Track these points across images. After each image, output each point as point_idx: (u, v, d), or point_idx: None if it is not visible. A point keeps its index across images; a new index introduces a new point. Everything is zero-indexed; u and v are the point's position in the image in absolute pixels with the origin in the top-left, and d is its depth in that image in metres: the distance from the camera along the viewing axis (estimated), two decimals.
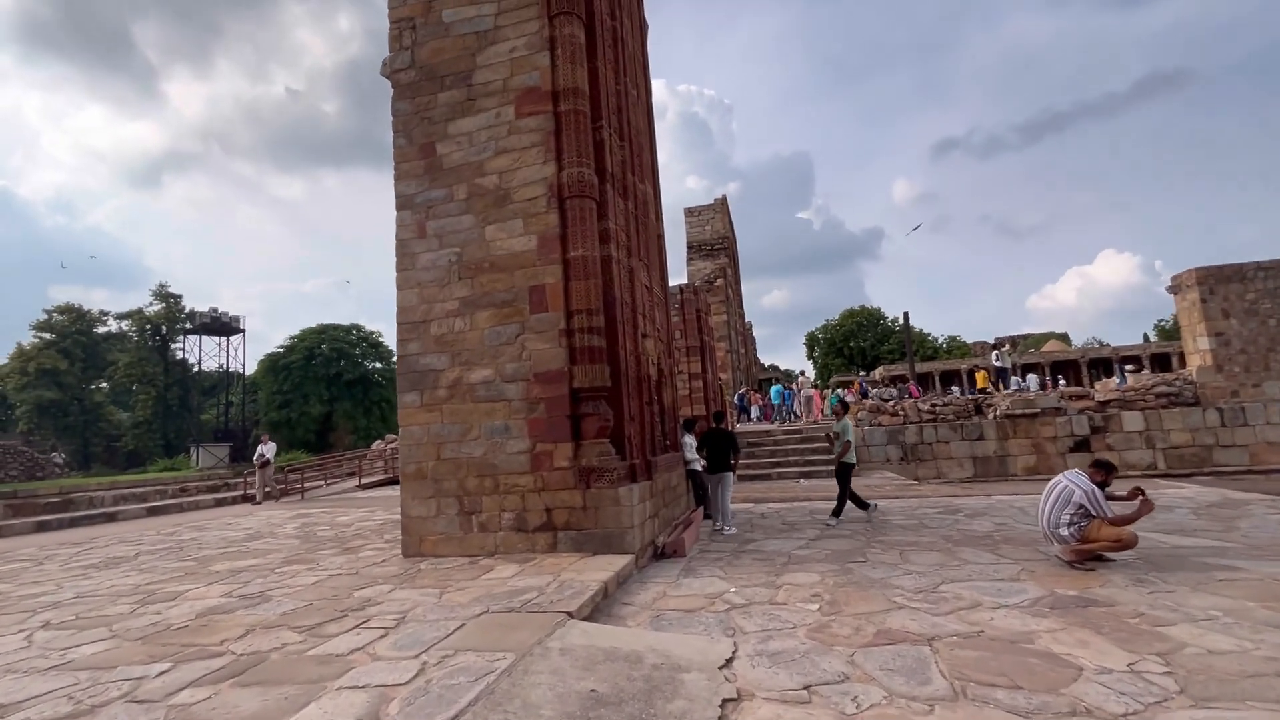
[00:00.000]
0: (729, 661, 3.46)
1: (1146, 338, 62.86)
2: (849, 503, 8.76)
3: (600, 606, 4.74)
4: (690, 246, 36.00)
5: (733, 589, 5.19)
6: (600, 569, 5.49)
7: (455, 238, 7.06)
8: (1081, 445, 16.19)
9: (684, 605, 4.79)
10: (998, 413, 16.84)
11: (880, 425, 17.32)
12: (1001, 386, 22.01)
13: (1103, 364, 45.65)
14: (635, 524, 6.18)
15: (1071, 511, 5.27)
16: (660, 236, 9.89)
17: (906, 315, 35.71)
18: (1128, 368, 35.24)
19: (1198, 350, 17.06)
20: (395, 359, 7.07)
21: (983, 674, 3.17)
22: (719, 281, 29.01)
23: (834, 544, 6.92)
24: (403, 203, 7.30)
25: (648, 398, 7.74)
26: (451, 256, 7.04)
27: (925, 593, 4.77)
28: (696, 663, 3.41)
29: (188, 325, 51.39)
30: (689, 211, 37.77)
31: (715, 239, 36.24)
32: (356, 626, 4.17)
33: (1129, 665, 3.20)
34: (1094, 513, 5.21)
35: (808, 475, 15.24)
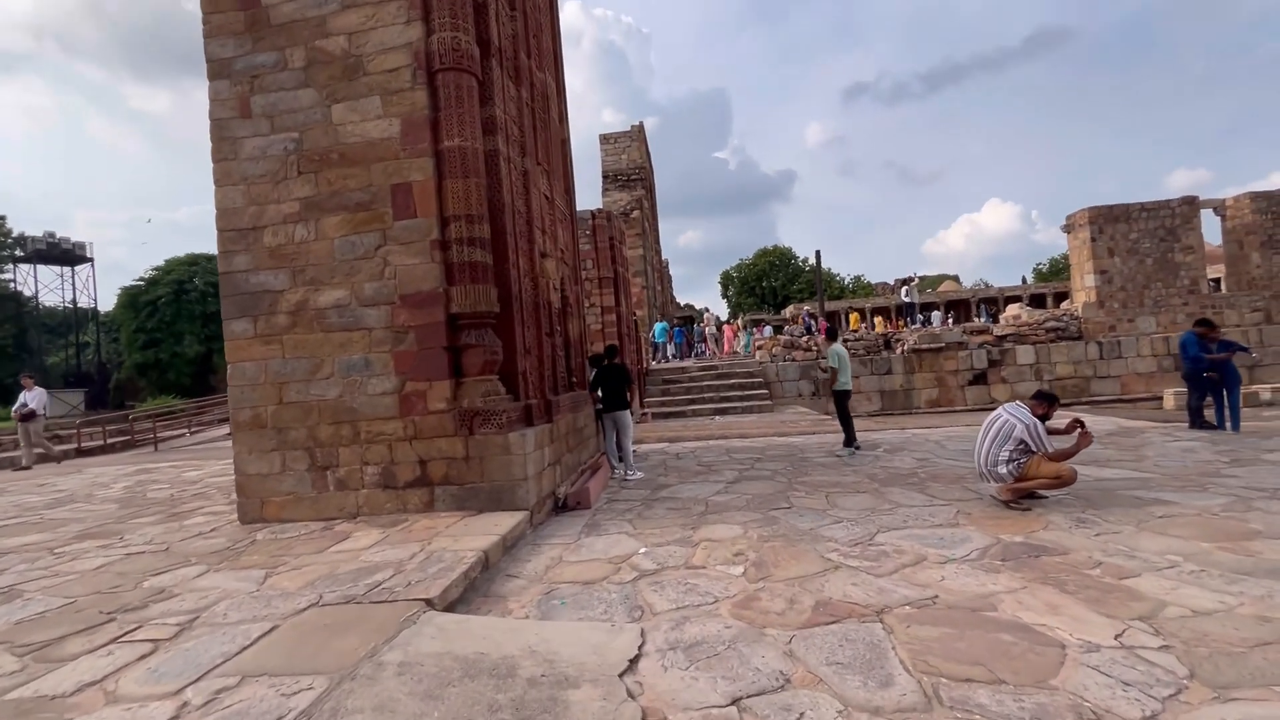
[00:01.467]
0: (634, 662, 2.60)
1: (1024, 280, 68.00)
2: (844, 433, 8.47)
3: (476, 584, 3.77)
4: (606, 176, 34.12)
5: (643, 549, 4.36)
6: (483, 532, 4.50)
7: (292, 119, 5.45)
8: (980, 378, 16.78)
9: (583, 574, 3.91)
10: (905, 347, 17.09)
11: (794, 361, 17.15)
12: (907, 322, 22.56)
13: (990, 302, 48.90)
14: (530, 475, 5.19)
15: (1011, 447, 4.80)
16: (565, 142, 8.52)
17: (818, 254, 35.91)
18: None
19: (1084, 287, 17.92)
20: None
21: (953, 663, 2.48)
22: (635, 213, 27.65)
23: (754, 487, 6.28)
24: (217, 69, 5.53)
25: (548, 328, 6.63)
26: (288, 143, 5.44)
27: (862, 545, 4.14)
28: (590, 669, 2.52)
29: (17, 252, 43.79)
30: (604, 139, 35.64)
31: (632, 169, 34.55)
32: (116, 639, 2.96)
33: (1116, 638, 2.63)
34: (1034, 448, 4.76)
35: (723, 412, 14.85)
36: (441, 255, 5.27)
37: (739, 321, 29.06)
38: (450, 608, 3.33)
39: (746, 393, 15.81)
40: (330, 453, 5.35)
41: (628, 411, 7.47)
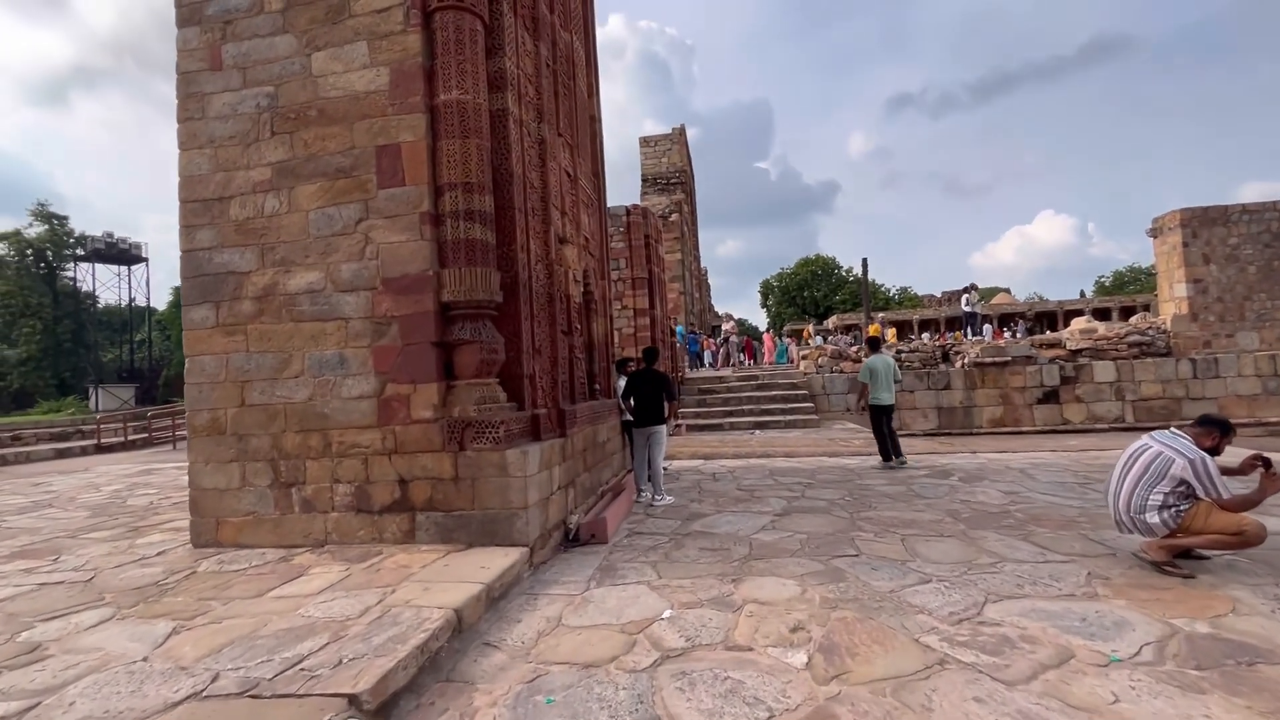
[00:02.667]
0: None
1: (1083, 293, 64.21)
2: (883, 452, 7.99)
3: (439, 660, 2.77)
4: (645, 180, 33.33)
5: (667, 611, 3.31)
6: (464, 577, 3.51)
7: (267, 71, 4.63)
8: (1050, 396, 15.12)
9: (586, 650, 2.87)
10: (966, 361, 15.57)
11: (842, 372, 15.82)
12: (969, 334, 20.91)
13: (1046, 317, 46.07)
14: (531, 502, 4.20)
15: (1167, 489, 3.57)
16: (595, 120, 7.58)
17: (865, 262, 34.24)
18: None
19: (1173, 298, 16.08)
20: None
21: None
22: (674, 216, 26.69)
23: (808, 523, 5.15)
24: (186, 14, 4.76)
25: (565, 324, 5.65)
26: (261, 99, 4.62)
27: (969, 623, 3.00)
28: None
29: (79, 251, 45.54)
30: (644, 141, 34.89)
31: (672, 172, 33.69)
32: None
33: None
34: (1202, 492, 3.52)
35: (763, 426, 13.65)
36: (433, 231, 4.35)
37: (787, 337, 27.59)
38: (387, 707, 2.33)
39: (789, 406, 14.57)
40: (296, 466, 4.46)
41: (664, 428, 6.42)
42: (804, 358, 16.84)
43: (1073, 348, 15.73)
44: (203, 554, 4.37)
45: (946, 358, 16.12)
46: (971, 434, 14.30)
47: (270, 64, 4.61)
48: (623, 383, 7.49)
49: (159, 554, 4.48)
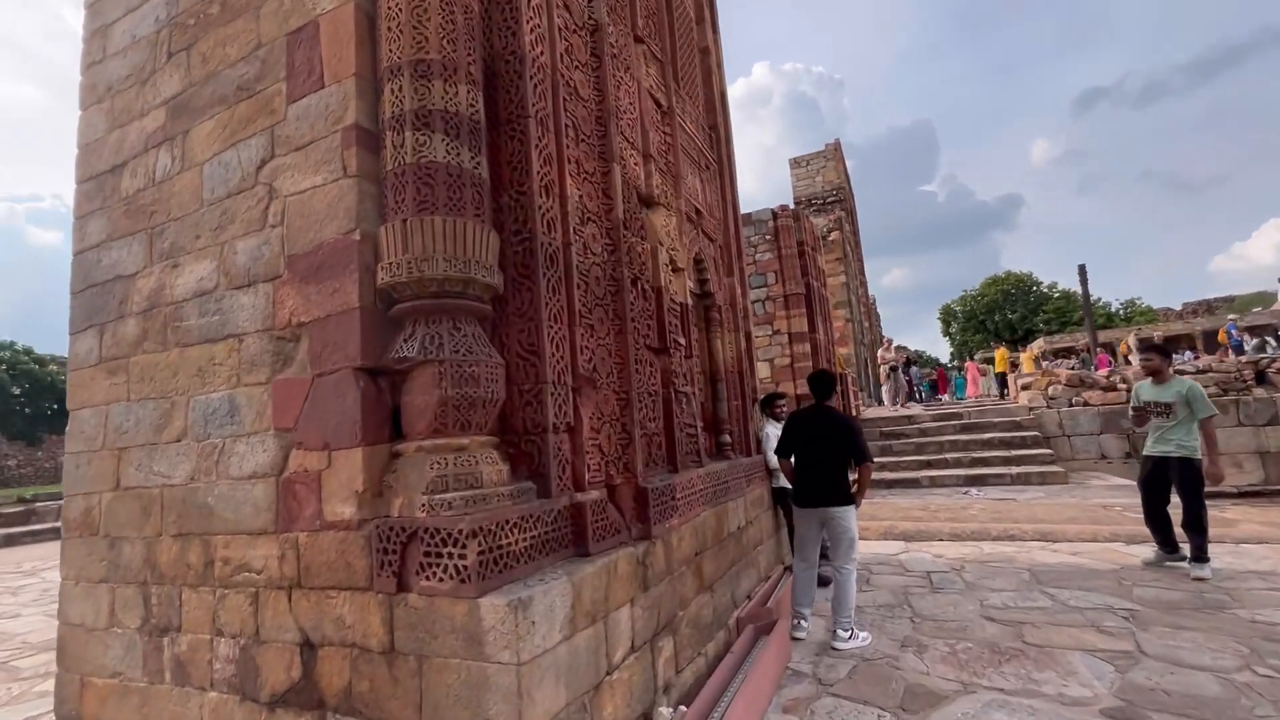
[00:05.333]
0: None
1: None
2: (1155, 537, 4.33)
3: None
4: (798, 203, 30.47)
5: None
6: None
7: None
8: None
9: None
10: None
11: (1087, 405, 11.48)
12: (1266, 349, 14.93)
13: None
14: (542, 715, 1.82)
15: None
16: (708, 55, 5.33)
17: (1083, 271, 27.69)
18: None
19: None
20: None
21: None
22: (834, 235, 23.47)
23: None
24: None
25: (654, 335, 3.30)
26: (161, 10, 3.01)
27: None
28: None
29: None
30: (795, 163, 32.18)
31: (828, 190, 30.55)
32: None
33: None
34: None
35: (979, 482, 9.95)
36: (365, 160, 2.31)
37: (986, 365, 22.43)
38: None
39: (1015, 454, 10.63)
40: (170, 599, 2.55)
41: (851, 511, 3.73)
42: (1025, 387, 12.66)
43: None
44: None
45: (1262, 379, 11.07)
46: None
47: None
48: (772, 430, 4.91)
49: None
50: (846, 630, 3.53)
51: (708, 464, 3.83)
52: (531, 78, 2.58)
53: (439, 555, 1.93)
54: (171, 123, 2.86)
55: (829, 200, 30.29)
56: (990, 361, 24.59)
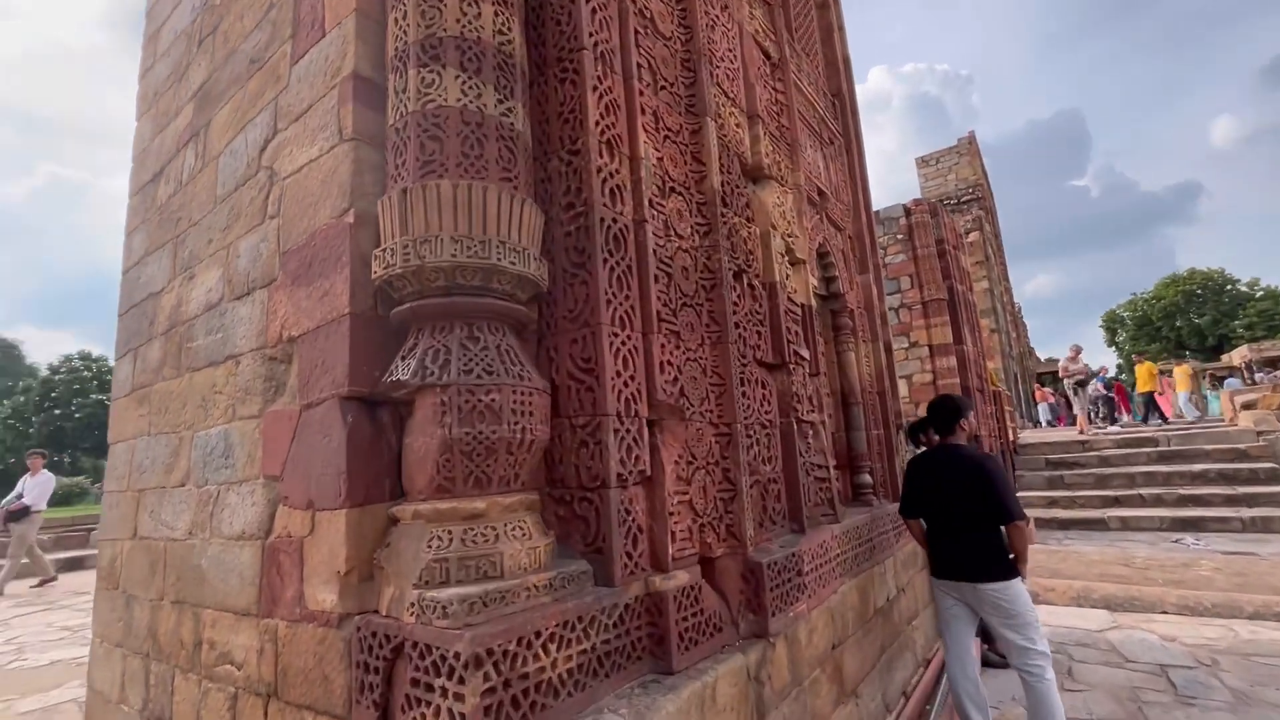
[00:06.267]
0: None
1: None
2: None
3: None
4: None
5: None
6: None
7: None
8: None
9: None
10: None
11: None
12: None
13: None
14: None
15: None
16: (826, 8, 4.43)
17: None
18: None
19: None
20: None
21: None
22: (973, 235, 20.99)
23: None
24: None
25: (768, 347, 2.46)
26: (198, 1, 2.71)
27: None
28: None
29: None
30: (922, 162, 29.64)
31: (963, 189, 27.79)
32: None
33: None
34: None
35: (1192, 527, 7.86)
36: (364, 118, 1.73)
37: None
38: None
39: (1240, 490, 8.33)
40: (165, 681, 2.09)
41: (1014, 584, 2.64)
42: (1247, 406, 10.08)
43: None
44: None
45: None
46: None
47: None
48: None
49: None
50: None
51: (845, 515, 2.89)
52: (583, 9, 1.90)
53: (429, 688, 1.24)
54: (197, 116, 2.51)
55: (964, 199, 27.45)
56: (1167, 374, 20.34)
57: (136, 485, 2.47)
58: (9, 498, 7.21)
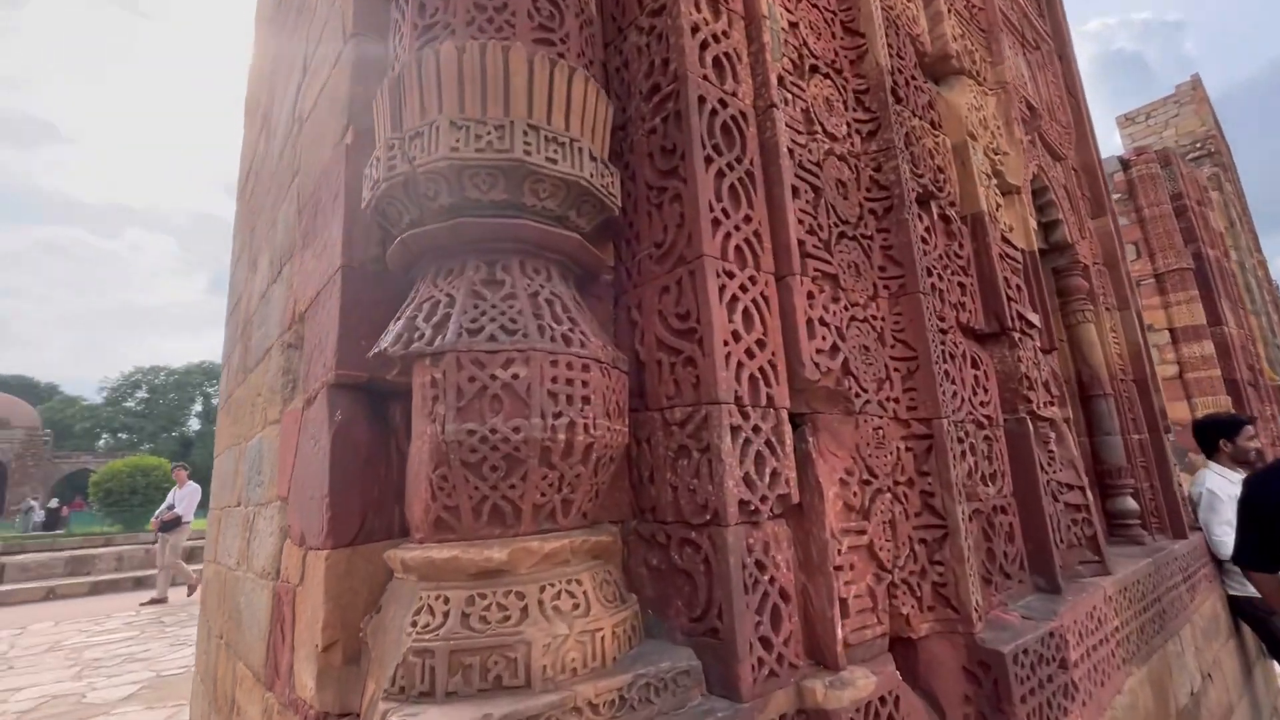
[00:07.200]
0: None
1: None
2: None
3: None
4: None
5: None
6: None
7: None
8: None
9: None
10: None
11: None
12: None
13: None
14: None
15: None
16: None
17: None
18: None
19: None
20: None
21: None
22: (1212, 194, 16.92)
23: None
24: None
25: (979, 310, 1.63)
26: None
27: None
28: None
29: None
30: (1128, 119, 24.50)
31: (1189, 144, 22.72)
32: None
33: None
34: None
35: None
36: (367, 8, 1.26)
37: None
38: None
39: None
40: None
41: None
42: None
43: None
44: None
45: None
46: None
47: None
48: (1219, 483, 2.67)
49: None
50: None
51: (1113, 561, 1.89)
52: None
53: None
54: (266, 96, 2.29)
55: (1191, 156, 22.43)
56: None
57: (218, 503, 2.27)
58: (160, 508, 7.52)
